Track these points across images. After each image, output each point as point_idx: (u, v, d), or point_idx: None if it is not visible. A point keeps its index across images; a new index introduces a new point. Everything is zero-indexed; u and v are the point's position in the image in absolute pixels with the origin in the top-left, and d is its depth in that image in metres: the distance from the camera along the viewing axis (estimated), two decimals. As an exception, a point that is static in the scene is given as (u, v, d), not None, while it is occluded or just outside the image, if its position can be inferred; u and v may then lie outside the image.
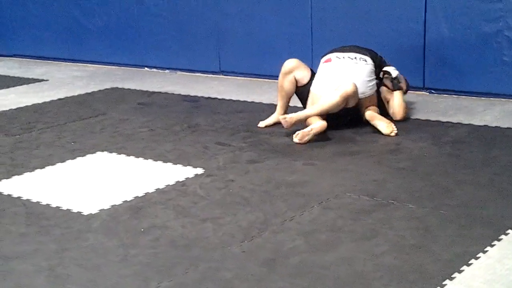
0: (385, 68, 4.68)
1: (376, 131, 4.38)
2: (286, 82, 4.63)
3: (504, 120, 4.59)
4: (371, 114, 4.42)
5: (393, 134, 4.32)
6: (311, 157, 3.99)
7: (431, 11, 5.27)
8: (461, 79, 5.27)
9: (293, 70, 4.63)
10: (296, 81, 4.62)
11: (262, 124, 4.67)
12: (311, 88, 4.57)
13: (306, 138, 4.23)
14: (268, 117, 4.73)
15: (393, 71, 4.66)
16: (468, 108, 4.94)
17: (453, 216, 3.05)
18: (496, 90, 5.14)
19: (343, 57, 4.55)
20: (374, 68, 4.58)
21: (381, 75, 4.68)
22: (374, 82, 4.58)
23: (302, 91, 4.62)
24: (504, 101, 5.08)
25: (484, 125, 4.49)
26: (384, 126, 4.35)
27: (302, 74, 4.62)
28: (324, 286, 2.50)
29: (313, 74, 4.65)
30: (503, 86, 5.10)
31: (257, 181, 3.61)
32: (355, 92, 4.38)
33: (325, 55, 4.71)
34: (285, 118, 4.32)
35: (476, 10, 5.08)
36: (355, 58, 4.52)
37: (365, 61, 4.53)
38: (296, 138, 4.23)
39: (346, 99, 4.36)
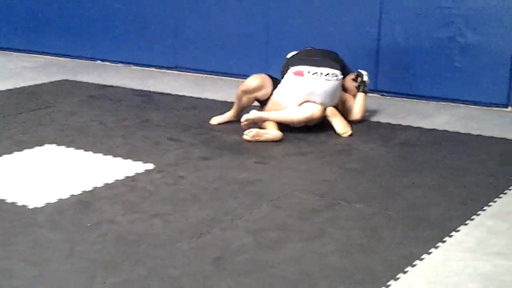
0: (360, 70, 4.72)
1: (329, 130, 4.42)
2: (245, 99, 4.53)
3: (453, 124, 4.68)
4: (333, 111, 4.44)
5: (346, 135, 4.36)
6: (263, 156, 4.00)
7: (386, 15, 5.34)
8: (413, 83, 5.36)
9: (255, 91, 4.49)
10: (256, 99, 4.55)
11: (214, 121, 4.66)
12: (275, 94, 4.47)
13: (257, 138, 4.24)
14: (220, 114, 4.71)
15: (366, 76, 4.70)
16: (419, 112, 5.02)
17: (399, 217, 3.09)
18: (447, 95, 5.24)
19: (316, 74, 4.37)
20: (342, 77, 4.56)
21: (353, 77, 4.70)
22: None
23: (262, 100, 4.58)
24: (453, 105, 5.18)
25: (433, 129, 4.57)
26: (341, 126, 4.40)
27: (264, 92, 4.48)
28: (271, 285, 2.50)
29: (274, 82, 4.52)
30: (453, 91, 5.20)
31: (208, 178, 3.60)
32: (321, 117, 4.40)
33: (294, 62, 4.49)
34: (246, 119, 4.31)
35: (430, 15, 5.16)
36: (328, 74, 4.39)
37: (337, 76, 4.44)
38: (249, 135, 4.23)
39: (311, 120, 4.39)
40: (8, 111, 4.96)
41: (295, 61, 4.51)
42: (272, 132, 4.29)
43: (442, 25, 5.12)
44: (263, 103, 4.55)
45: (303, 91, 4.40)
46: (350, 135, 4.36)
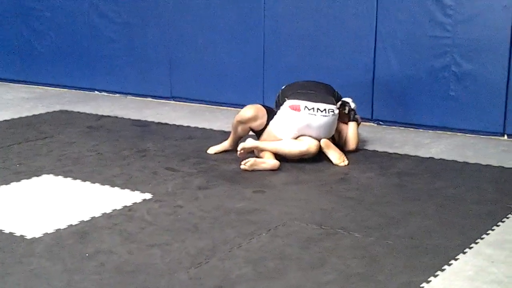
0: (344, 99, 4.74)
1: (326, 159, 4.43)
2: (240, 129, 4.56)
3: (449, 152, 4.70)
4: (326, 143, 4.46)
5: (342, 164, 4.37)
6: (261, 185, 4.00)
7: (380, 45, 5.39)
8: (409, 112, 5.39)
9: (250, 121, 4.51)
10: (252, 129, 4.58)
11: (211, 150, 4.67)
12: (271, 125, 4.49)
13: (254, 168, 4.25)
14: (218, 143, 4.73)
15: (351, 103, 4.73)
16: (415, 140, 5.04)
17: (398, 246, 3.09)
18: (442, 124, 5.27)
19: (313, 109, 4.38)
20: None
21: (338, 106, 4.73)
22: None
23: (257, 131, 4.59)
24: (449, 134, 5.20)
25: (430, 157, 4.58)
26: (336, 156, 4.41)
27: (259, 123, 4.51)
28: (270, 314, 2.49)
29: (269, 112, 4.54)
30: (449, 119, 5.23)
31: (206, 207, 3.60)
32: (317, 152, 4.43)
33: (290, 94, 4.49)
34: (243, 148, 4.34)
35: (424, 45, 5.21)
36: (324, 110, 4.40)
37: (333, 112, 4.45)
38: (246, 164, 4.24)
39: (306, 154, 4.41)
40: (6, 142, 4.96)
41: (291, 94, 4.50)
42: (269, 161, 4.31)
43: (437, 54, 5.17)
44: (258, 133, 4.56)
45: (299, 126, 4.42)
46: (347, 165, 4.38)
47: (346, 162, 4.40)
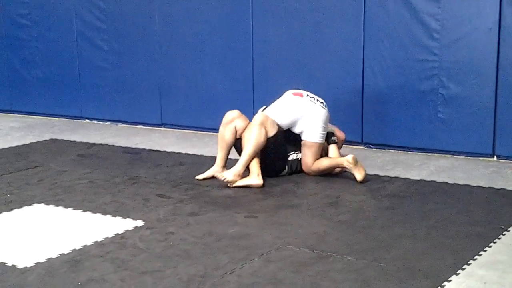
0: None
1: (318, 183, 4.46)
2: (227, 131, 4.67)
3: (440, 174, 4.72)
4: (355, 159, 4.51)
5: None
6: (252, 210, 4.00)
7: (368, 69, 5.44)
8: (398, 135, 5.42)
9: (234, 119, 4.69)
10: (236, 132, 4.66)
11: (200, 176, 4.67)
12: (268, 110, 4.68)
13: (236, 184, 4.42)
14: (208, 169, 4.73)
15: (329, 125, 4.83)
16: (405, 163, 5.06)
17: (391, 269, 3.09)
18: (432, 146, 5.30)
19: (313, 98, 4.70)
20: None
21: None
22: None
23: (239, 144, 4.66)
24: (439, 156, 5.24)
25: (421, 179, 4.60)
26: (362, 174, 4.49)
27: (242, 125, 4.67)
28: None
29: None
30: (438, 142, 5.26)
31: (198, 233, 3.59)
32: (267, 118, 4.54)
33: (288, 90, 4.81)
34: (224, 178, 4.42)
35: (412, 68, 5.27)
36: (323, 103, 4.71)
37: (327, 107, 4.72)
38: (231, 184, 4.42)
39: (263, 126, 4.49)
40: (-4, 171, 4.95)
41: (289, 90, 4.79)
42: (252, 181, 4.45)
43: (424, 77, 5.22)
44: (239, 151, 4.63)
45: (299, 112, 4.63)
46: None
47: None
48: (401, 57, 5.29)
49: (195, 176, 4.70)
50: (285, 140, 4.69)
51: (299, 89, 4.82)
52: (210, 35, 6.15)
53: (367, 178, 4.57)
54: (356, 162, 4.51)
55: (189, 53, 6.29)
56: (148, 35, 6.48)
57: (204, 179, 4.65)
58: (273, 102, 4.80)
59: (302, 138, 4.67)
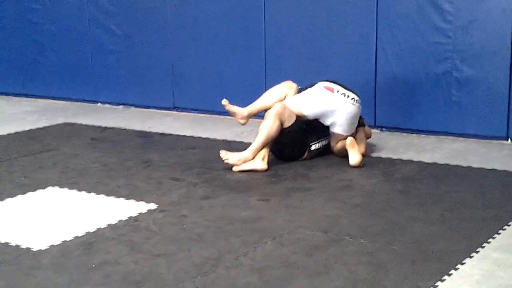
0: None
1: (330, 166, 4.45)
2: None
3: (453, 157, 4.70)
4: (351, 141, 4.50)
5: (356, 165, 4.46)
6: (265, 193, 4.01)
7: (381, 51, 5.40)
8: (411, 118, 5.39)
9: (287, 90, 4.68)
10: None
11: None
12: (296, 98, 4.61)
13: (240, 168, 4.42)
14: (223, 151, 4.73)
15: None
16: (418, 146, 5.04)
17: (404, 252, 3.09)
18: (445, 129, 5.27)
19: (344, 95, 4.57)
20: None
21: None
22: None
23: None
24: (452, 139, 5.21)
25: (434, 163, 4.58)
26: (356, 159, 4.46)
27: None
28: (278, 321, 2.49)
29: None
30: (452, 124, 5.23)
31: (211, 217, 3.60)
32: (284, 109, 4.50)
33: (322, 81, 4.70)
34: (227, 159, 4.45)
35: (425, 51, 5.23)
36: (353, 99, 4.58)
37: (359, 103, 4.64)
38: (236, 167, 4.43)
39: (279, 117, 4.47)
40: (11, 155, 4.98)
41: (322, 81, 4.69)
42: (257, 165, 4.44)
43: (438, 60, 5.18)
44: None
45: (327, 107, 4.56)
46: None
47: (361, 164, 4.48)
48: (414, 39, 5.25)
49: (208, 159, 4.71)
50: (306, 130, 4.64)
51: (329, 81, 4.67)
52: (223, 18, 6.12)
53: (381, 161, 4.56)
54: (353, 144, 4.49)
55: (201, 36, 6.27)
56: (160, 19, 6.47)
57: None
58: (304, 88, 4.73)
59: (330, 130, 4.65)
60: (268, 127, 4.46)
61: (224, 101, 4.70)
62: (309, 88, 4.69)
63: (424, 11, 5.17)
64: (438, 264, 2.95)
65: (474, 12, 5.00)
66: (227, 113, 5.43)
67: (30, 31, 7.33)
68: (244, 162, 4.45)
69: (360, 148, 4.64)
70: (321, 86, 4.64)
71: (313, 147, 4.69)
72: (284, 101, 4.62)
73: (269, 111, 4.54)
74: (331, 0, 5.56)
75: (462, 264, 2.95)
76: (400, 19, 5.29)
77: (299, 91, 4.73)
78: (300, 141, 4.64)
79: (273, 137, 4.48)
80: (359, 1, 5.43)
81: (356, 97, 4.61)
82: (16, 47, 7.47)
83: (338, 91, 4.58)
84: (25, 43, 7.39)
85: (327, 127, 4.65)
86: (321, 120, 4.63)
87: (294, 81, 5.04)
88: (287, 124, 4.52)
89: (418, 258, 3.02)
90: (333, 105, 4.56)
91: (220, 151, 4.53)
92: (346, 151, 4.55)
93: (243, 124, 4.80)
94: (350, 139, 4.52)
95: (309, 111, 4.58)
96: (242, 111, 4.71)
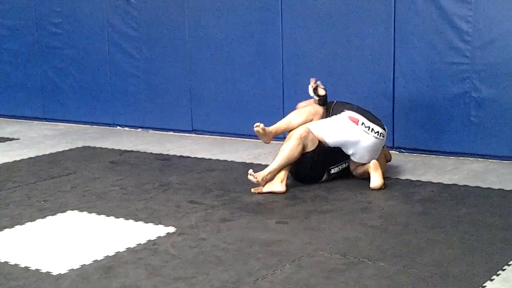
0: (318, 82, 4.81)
1: (348, 189, 4.44)
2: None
3: (473, 179, 4.66)
4: (376, 164, 4.52)
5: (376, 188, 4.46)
6: (284, 216, 4.00)
7: (399, 72, 5.40)
8: (430, 139, 5.37)
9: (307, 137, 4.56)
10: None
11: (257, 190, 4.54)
12: (320, 123, 4.61)
13: (260, 190, 4.46)
14: (239, 175, 4.74)
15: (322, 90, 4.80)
16: (437, 167, 5.01)
17: (424, 275, 3.06)
18: (465, 150, 5.24)
19: (368, 129, 4.50)
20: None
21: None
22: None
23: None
24: (472, 160, 5.17)
25: (453, 184, 4.55)
26: (378, 182, 4.45)
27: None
28: None
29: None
30: (471, 145, 5.20)
31: (230, 239, 3.60)
32: (309, 133, 4.51)
33: (348, 109, 4.63)
34: (256, 178, 4.43)
35: (443, 71, 5.21)
36: (377, 133, 4.53)
37: (383, 136, 4.59)
38: (254, 189, 4.47)
39: (302, 141, 4.47)
40: (31, 179, 5.02)
41: (349, 108, 4.65)
42: (275, 188, 4.44)
43: (456, 80, 5.17)
44: None
45: (350, 138, 4.54)
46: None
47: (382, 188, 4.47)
48: (432, 60, 5.25)
49: (226, 182, 4.72)
50: (326, 154, 4.62)
51: (356, 111, 4.60)
52: (240, 41, 6.17)
53: (400, 183, 4.54)
54: (376, 168, 4.49)
55: (219, 59, 6.32)
56: (178, 42, 6.52)
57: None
58: (330, 114, 4.71)
59: (351, 157, 4.64)
60: (290, 149, 4.46)
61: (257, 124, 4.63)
62: (334, 116, 4.66)
63: (441, 31, 5.17)
64: (459, 287, 2.91)
65: (492, 31, 4.99)
66: (245, 135, 5.46)
67: (50, 56, 7.43)
68: (263, 180, 4.45)
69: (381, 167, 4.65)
70: (346, 116, 4.58)
71: (332, 171, 4.69)
72: (308, 125, 4.62)
73: (292, 132, 4.55)
74: (349, 22, 5.58)
75: (483, 287, 2.91)
76: (417, 40, 5.29)
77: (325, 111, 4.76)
78: (320, 165, 4.64)
79: (294, 159, 4.48)
80: (376, 21, 5.45)
81: (380, 130, 4.55)
82: (36, 72, 7.57)
83: (363, 124, 4.52)
84: (45, 67, 7.49)
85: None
86: (343, 149, 4.60)
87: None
88: (309, 148, 4.51)
89: (438, 281, 2.99)
90: (355, 137, 4.52)
91: (249, 173, 4.49)
92: (367, 174, 4.53)
93: (267, 143, 4.79)
94: (374, 162, 4.53)
95: (331, 139, 4.56)
96: (268, 130, 4.67)
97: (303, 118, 4.69)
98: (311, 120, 4.68)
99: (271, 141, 4.82)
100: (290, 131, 4.62)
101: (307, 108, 4.76)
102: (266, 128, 4.65)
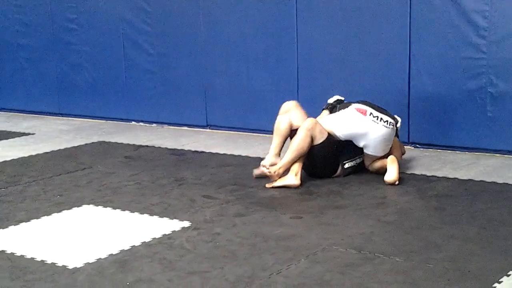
0: (395, 116, 4.76)
1: (363, 183, 4.42)
2: (282, 122, 4.68)
3: (489, 174, 4.63)
4: (393, 158, 4.53)
5: (391, 183, 4.43)
6: (298, 211, 3.99)
7: (414, 67, 5.37)
8: (446, 134, 5.34)
9: (290, 110, 4.71)
10: (291, 123, 4.65)
11: (257, 172, 4.63)
12: (327, 119, 4.64)
13: (274, 185, 4.45)
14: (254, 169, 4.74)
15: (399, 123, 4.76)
16: (453, 163, 4.98)
17: (440, 270, 3.05)
18: (481, 145, 5.20)
19: (377, 118, 4.52)
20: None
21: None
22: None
23: (293, 135, 4.62)
24: (488, 155, 5.14)
25: (469, 179, 4.53)
26: (394, 175, 4.43)
27: (298, 116, 4.67)
28: None
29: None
30: (487, 141, 5.17)
31: (244, 234, 3.60)
32: (316, 124, 4.51)
33: (355, 102, 4.68)
34: (269, 171, 4.43)
35: (459, 66, 5.18)
36: (387, 122, 4.53)
37: (393, 125, 4.59)
38: (268, 184, 4.47)
39: (310, 132, 4.46)
40: (47, 173, 5.05)
41: (355, 102, 4.68)
42: (289, 181, 4.44)
43: (472, 76, 5.13)
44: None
45: (358, 130, 4.55)
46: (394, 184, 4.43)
47: (396, 183, 4.44)
48: (448, 55, 5.21)
49: (241, 177, 4.72)
50: (339, 148, 4.63)
51: (362, 103, 4.64)
52: (254, 36, 6.16)
53: (415, 178, 4.52)
54: (393, 161, 4.49)
55: (233, 54, 6.32)
56: (193, 37, 6.53)
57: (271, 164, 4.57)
58: (339, 108, 4.75)
59: (364, 151, 4.64)
60: (298, 142, 4.46)
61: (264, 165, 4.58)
62: (342, 110, 4.68)
63: (457, 26, 5.13)
64: (475, 282, 2.90)
65: (509, 26, 4.95)
66: (259, 130, 5.45)
67: (65, 51, 7.46)
68: (277, 175, 4.45)
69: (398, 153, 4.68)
70: (352, 108, 4.61)
71: (346, 165, 4.67)
72: (317, 119, 4.61)
73: (301, 126, 4.54)
74: (364, 17, 5.55)
75: (499, 282, 2.90)
76: (433, 35, 5.25)
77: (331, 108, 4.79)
78: (332, 159, 4.63)
79: (304, 152, 4.48)
80: (391, 17, 5.42)
81: (390, 120, 4.55)
82: (52, 67, 7.60)
83: (370, 114, 4.54)
84: (61, 63, 7.52)
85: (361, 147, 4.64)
86: (354, 142, 4.61)
87: (326, 97, 5.05)
88: (318, 140, 4.51)
89: (454, 276, 2.98)
90: (364, 128, 4.53)
91: (262, 165, 4.52)
92: (384, 169, 4.53)
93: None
94: (392, 156, 4.54)
95: (341, 132, 4.57)
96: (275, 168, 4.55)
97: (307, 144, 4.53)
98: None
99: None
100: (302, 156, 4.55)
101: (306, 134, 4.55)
102: (275, 169, 4.47)
